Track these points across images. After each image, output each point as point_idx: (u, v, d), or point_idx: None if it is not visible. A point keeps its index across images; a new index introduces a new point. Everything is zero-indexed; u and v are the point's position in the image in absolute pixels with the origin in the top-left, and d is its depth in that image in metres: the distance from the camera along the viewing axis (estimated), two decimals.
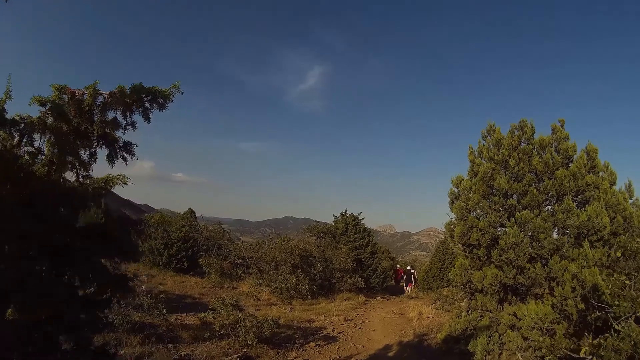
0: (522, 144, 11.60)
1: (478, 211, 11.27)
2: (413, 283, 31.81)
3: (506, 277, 10.51)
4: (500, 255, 10.58)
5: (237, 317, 11.11)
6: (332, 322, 15.85)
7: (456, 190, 12.54)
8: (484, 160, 11.85)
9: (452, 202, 12.60)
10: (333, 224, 33.71)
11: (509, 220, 10.71)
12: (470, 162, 12.37)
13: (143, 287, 17.99)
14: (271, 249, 24.70)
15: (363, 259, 30.14)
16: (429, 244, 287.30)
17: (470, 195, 11.45)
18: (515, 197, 11.03)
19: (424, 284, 28.52)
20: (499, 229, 11.16)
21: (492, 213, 10.95)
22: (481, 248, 11.16)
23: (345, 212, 33.39)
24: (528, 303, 10.01)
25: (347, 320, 16.26)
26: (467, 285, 11.87)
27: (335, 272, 25.67)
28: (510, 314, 10.41)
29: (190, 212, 37.56)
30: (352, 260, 27.83)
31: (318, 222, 36.56)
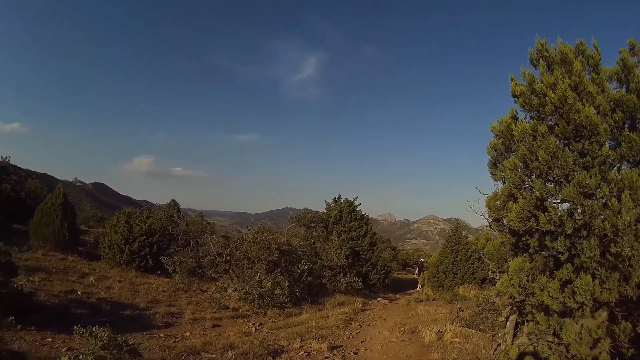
0: (587, 76, 6.71)
1: (557, 170, 6.05)
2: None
3: (606, 288, 5.56)
4: (601, 250, 5.70)
5: None
6: (309, 354, 10.60)
7: (500, 143, 7.39)
8: (548, 86, 6.71)
9: (493, 163, 7.52)
10: (325, 211, 28.83)
11: (603, 186, 5.78)
12: (519, 96, 7.24)
13: (78, 292, 14.03)
14: (248, 243, 19.48)
15: (361, 252, 25.24)
16: (429, 232, 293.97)
17: (537, 142, 6.25)
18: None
19: (434, 280, 23.03)
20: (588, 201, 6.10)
21: (580, 171, 5.86)
22: (559, 237, 6.08)
23: (339, 197, 28.68)
24: None
25: (333, 349, 10.95)
26: (526, 302, 6.79)
27: (326, 269, 20.66)
28: None
29: (173, 203, 33.91)
30: (348, 254, 22.92)
31: (317, 212, 31.37)
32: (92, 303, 13.45)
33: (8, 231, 21.37)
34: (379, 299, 21.10)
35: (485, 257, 20.89)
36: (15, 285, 10.46)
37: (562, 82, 6.31)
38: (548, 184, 6.23)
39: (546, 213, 6.10)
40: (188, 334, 11.63)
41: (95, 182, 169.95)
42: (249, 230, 22.36)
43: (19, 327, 9.36)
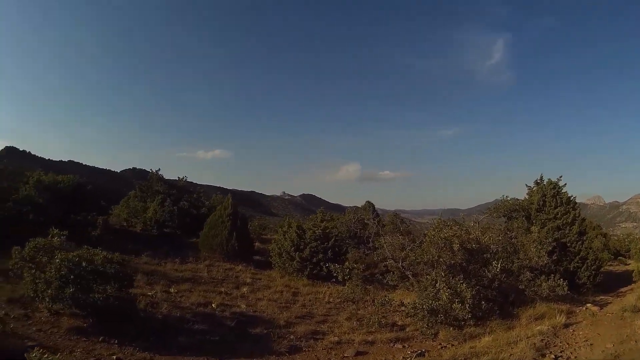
0: None
1: None
2: None
3: None
4: None
5: None
6: None
7: None
8: None
9: None
10: (527, 197, 24.61)
11: None
12: None
13: (213, 305, 13.70)
14: (426, 243, 15.90)
15: (568, 244, 20.81)
16: (638, 213, 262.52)
17: None
18: None
19: None
20: None
21: None
22: None
23: (541, 179, 24.15)
24: None
25: None
26: None
27: (524, 270, 16.34)
28: None
29: (368, 204, 32.91)
30: (552, 249, 19.04)
31: (517, 200, 26.86)
32: (220, 317, 12.56)
33: (184, 244, 22.57)
34: (588, 305, 16.14)
35: None
36: (97, 297, 10.03)
37: None
38: None
39: None
40: None
41: (303, 194, 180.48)
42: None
43: (100, 338, 9.43)
